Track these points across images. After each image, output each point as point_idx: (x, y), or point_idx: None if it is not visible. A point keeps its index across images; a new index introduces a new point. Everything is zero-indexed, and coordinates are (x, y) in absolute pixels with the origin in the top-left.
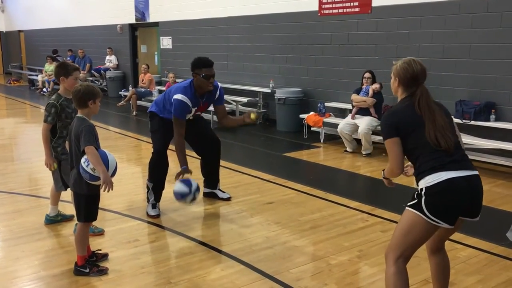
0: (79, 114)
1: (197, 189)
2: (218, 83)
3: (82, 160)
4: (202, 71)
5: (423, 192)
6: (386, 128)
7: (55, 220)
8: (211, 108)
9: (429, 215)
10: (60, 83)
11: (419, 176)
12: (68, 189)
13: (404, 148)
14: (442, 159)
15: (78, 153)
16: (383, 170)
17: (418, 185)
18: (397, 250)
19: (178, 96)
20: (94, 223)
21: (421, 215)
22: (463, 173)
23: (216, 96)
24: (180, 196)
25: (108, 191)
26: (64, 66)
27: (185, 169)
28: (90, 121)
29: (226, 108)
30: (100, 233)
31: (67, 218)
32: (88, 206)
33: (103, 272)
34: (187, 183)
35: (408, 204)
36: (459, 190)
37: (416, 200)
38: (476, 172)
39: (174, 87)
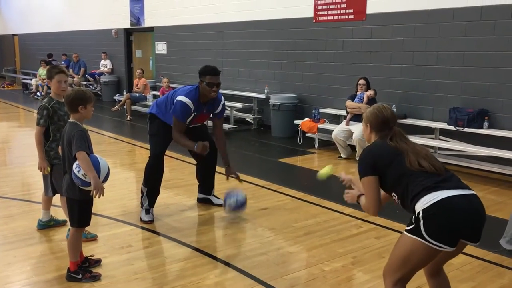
0: (71, 119)
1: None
2: (223, 98)
3: (74, 165)
4: (207, 78)
5: (420, 216)
6: (364, 167)
7: (48, 225)
8: None
9: (430, 239)
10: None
11: (413, 200)
12: (58, 194)
13: (387, 183)
14: (434, 179)
15: (70, 158)
16: (359, 196)
17: (414, 210)
18: (395, 274)
19: (181, 98)
20: (87, 228)
21: (421, 240)
22: (460, 192)
23: (218, 109)
24: (232, 209)
25: (98, 197)
26: (49, 70)
27: (197, 146)
28: (83, 125)
29: (225, 108)
30: (93, 238)
31: (59, 223)
32: (81, 211)
33: (96, 278)
34: (243, 202)
35: (406, 229)
36: (458, 209)
37: (414, 225)
38: (473, 192)
39: (179, 89)
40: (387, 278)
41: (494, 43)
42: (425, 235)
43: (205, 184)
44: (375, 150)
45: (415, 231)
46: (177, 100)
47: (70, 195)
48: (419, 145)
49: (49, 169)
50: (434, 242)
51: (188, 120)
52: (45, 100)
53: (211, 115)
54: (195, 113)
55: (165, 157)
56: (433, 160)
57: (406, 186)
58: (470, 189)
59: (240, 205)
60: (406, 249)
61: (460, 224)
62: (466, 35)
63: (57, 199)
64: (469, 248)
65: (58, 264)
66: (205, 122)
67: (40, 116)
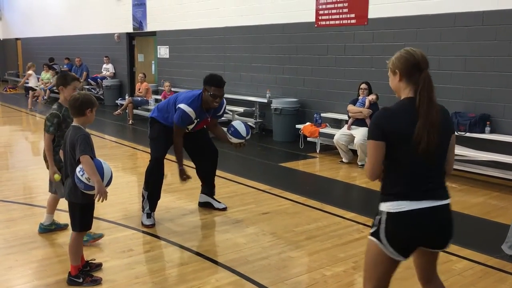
0: (74, 123)
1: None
2: (224, 101)
3: (77, 169)
4: (212, 89)
5: (383, 218)
6: (374, 129)
7: (49, 229)
8: None
9: (387, 245)
10: (60, 92)
11: (383, 196)
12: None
13: (386, 155)
14: (415, 182)
15: (73, 162)
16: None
17: (379, 205)
18: (370, 284)
19: (183, 106)
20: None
21: (379, 244)
22: (429, 204)
23: (220, 113)
24: (236, 134)
25: (102, 201)
26: (63, 76)
27: (181, 169)
28: (86, 129)
29: (223, 119)
30: (100, 237)
31: (61, 227)
32: (83, 215)
33: (97, 282)
34: (247, 129)
35: (370, 231)
36: (421, 223)
37: (376, 228)
38: (447, 202)
39: (182, 95)
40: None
41: (495, 48)
42: (383, 239)
43: (206, 186)
44: (393, 116)
45: (375, 234)
46: (178, 108)
47: (72, 199)
48: (436, 112)
49: (58, 176)
50: (391, 250)
51: (192, 126)
52: (55, 107)
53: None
54: (198, 119)
55: (166, 161)
56: (433, 134)
57: (390, 173)
58: (445, 198)
59: (241, 131)
60: (371, 253)
61: (421, 238)
62: (467, 40)
63: (62, 202)
64: (471, 253)
65: (59, 268)
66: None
67: (51, 124)
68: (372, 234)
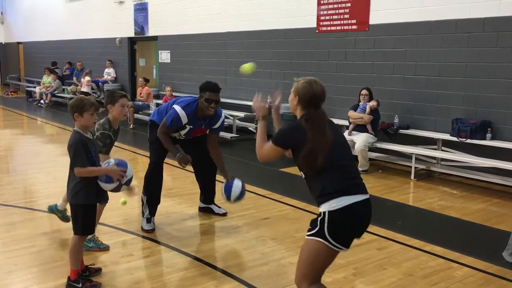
0: (75, 127)
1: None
2: (223, 114)
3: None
4: (206, 94)
5: (326, 218)
6: (282, 136)
7: (54, 212)
8: None
9: (332, 241)
10: (108, 111)
11: (321, 197)
12: None
13: (297, 160)
14: (345, 181)
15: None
16: (261, 120)
17: (319, 207)
18: (307, 279)
19: (177, 108)
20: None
21: (323, 241)
22: (361, 197)
23: (217, 125)
24: (228, 198)
25: (121, 178)
26: (110, 94)
27: (178, 156)
28: (86, 134)
29: (224, 124)
30: (106, 249)
31: (65, 218)
32: (85, 218)
33: (96, 287)
34: (243, 193)
35: (309, 233)
36: (358, 217)
37: (318, 228)
38: (368, 196)
39: (181, 98)
40: (302, 285)
41: (496, 54)
42: (328, 237)
43: (206, 191)
44: (300, 132)
45: (319, 234)
46: (172, 108)
47: (74, 201)
48: (337, 136)
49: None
50: (336, 244)
51: (185, 133)
52: (106, 126)
53: (209, 129)
54: (191, 126)
55: (167, 165)
56: (346, 156)
57: (319, 178)
58: (367, 192)
59: (237, 198)
60: (311, 251)
61: (357, 229)
62: (468, 47)
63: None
64: (472, 260)
65: (59, 273)
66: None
67: (103, 144)
68: (314, 235)
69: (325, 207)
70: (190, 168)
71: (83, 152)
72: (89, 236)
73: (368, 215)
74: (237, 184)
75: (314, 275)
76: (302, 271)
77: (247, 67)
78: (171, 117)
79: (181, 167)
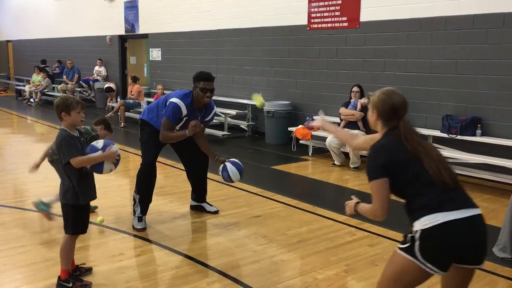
0: (61, 125)
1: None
2: (215, 107)
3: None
4: (201, 84)
5: (417, 236)
6: (374, 168)
7: (39, 207)
8: None
9: (423, 261)
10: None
11: (413, 214)
12: None
13: (393, 187)
14: (440, 197)
15: (61, 164)
16: (357, 203)
17: (412, 225)
18: None
19: (174, 100)
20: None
21: (414, 260)
22: (463, 214)
23: (208, 118)
24: (230, 178)
25: (117, 158)
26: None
27: (188, 130)
28: (73, 133)
29: (215, 121)
30: (53, 218)
31: (47, 211)
32: (76, 217)
33: (87, 286)
34: (240, 169)
35: (400, 246)
36: (457, 236)
37: (409, 244)
38: (478, 211)
39: (173, 93)
40: None
41: (486, 51)
42: (418, 256)
43: (197, 189)
44: (388, 151)
45: (409, 250)
46: (170, 101)
47: (66, 201)
48: (432, 147)
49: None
50: (427, 264)
51: (180, 125)
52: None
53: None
54: (187, 118)
55: (158, 164)
56: (446, 169)
57: (411, 195)
58: (475, 206)
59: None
60: (397, 267)
61: (456, 251)
62: (458, 43)
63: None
64: None
65: (49, 273)
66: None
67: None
68: (404, 250)
69: (417, 225)
70: (181, 166)
71: (73, 143)
72: (47, 200)
73: (475, 234)
74: (231, 168)
75: None
76: (384, 283)
77: (258, 102)
78: (171, 110)
79: (196, 129)
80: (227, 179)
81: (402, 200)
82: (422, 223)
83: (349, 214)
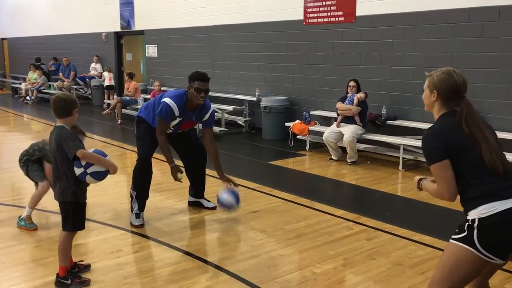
0: (58, 123)
1: (239, 201)
2: (212, 106)
3: (88, 178)
4: (195, 83)
5: (475, 225)
6: (433, 151)
7: (22, 226)
8: None
9: (483, 251)
10: None
11: (470, 203)
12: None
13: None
14: (497, 185)
15: (62, 163)
16: (420, 180)
17: (467, 215)
18: (443, 285)
19: (167, 100)
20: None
21: (473, 250)
22: None
23: (206, 118)
24: (226, 207)
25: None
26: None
27: (173, 166)
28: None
29: (214, 117)
30: (34, 228)
31: (31, 225)
32: (76, 214)
33: (85, 283)
34: (235, 195)
35: (455, 237)
36: None
37: (466, 233)
38: None
39: (168, 92)
40: None
41: (482, 44)
42: (478, 245)
43: (196, 185)
44: (446, 134)
45: (467, 240)
46: (163, 101)
47: (64, 199)
48: (490, 133)
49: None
50: (486, 253)
51: (174, 125)
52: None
53: (200, 124)
54: (181, 119)
55: (156, 160)
56: (503, 157)
57: (466, 184)
58: None
59: (229, 205)
60: (455, 257)
61: None
62: (454, 37)
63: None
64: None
65: (47, 270)
66: (195, 126)
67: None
68: (462, 240)
69: (474, 214)
70: (179, 163)
71: (77, 138)
72: (23, 216)
73: None
74: (225, 198)
75: (452, 285)
76: (439, 276)
77: None
78: (164, 109)
79: (175, 179)
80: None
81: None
82: (479, 212)
83: (417, 190)
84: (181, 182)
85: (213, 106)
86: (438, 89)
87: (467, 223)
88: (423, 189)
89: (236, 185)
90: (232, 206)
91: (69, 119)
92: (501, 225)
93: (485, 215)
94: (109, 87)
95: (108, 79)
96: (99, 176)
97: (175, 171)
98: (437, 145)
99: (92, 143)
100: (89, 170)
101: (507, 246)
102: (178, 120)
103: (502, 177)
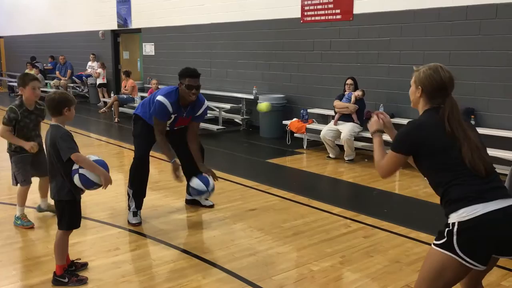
0: (53, 122)
1: (213, 188)
2: (205, 101)
3: (75, 178)
4: (186, 80)
5: (455, 229)
6: (402, 141)
7: (19, 224)
8: None
9: (464, 256)
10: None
11: (451, 206)
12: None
13: (424, 167)
14: (479, 187)
15: (56, 162)
16: (378, 132)
17: (448, 218)
18: None
19: (160, 98)
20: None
21: (453, 256)
22: (501, 204)
23: (199, 112)
24: (197, 193)
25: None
26: (21, 78)
27: (174, 162)
28: (65, 128)
29: (209, 115)
30: (30, 226)
31: (28, 223)
32: (71, 213)
33: (83, 281)
34: (205, 181)
35: (436, 243)
36: (497, 227)
37: (446, 239)
38: None
39: (161, 89)
40: None
41: (479, 42)
42: (458, 251)
43: None
44: (427, 129)
45: (447, 246)
46: (156, 100)
47: (59, 197)
48: (473, 132)
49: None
50: (467, 259)
51: (169, 122)
52: (16, 103)
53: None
54: (176, 115)
55: (153, 158)
56: (485, 158)
57: (447, 184)
58: (510, 197)
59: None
60: (437, 264)
61: (496, 243)
62: (452, 35)
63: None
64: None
65: (44, 268)
66: None
67: (8, 117)
68: (441, 246)
69: (454, 217)
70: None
71: (73, 139)
72: (17, 215)
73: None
74: (197, 184)
75: None
76: (422, 282)
77: (263, 107)
78: (158, 109)
79: (175, 177)
80: (194, 193)
81: (437, 195)
82: (460, 215)
83: (373, 129)
84: (181, 182)
85: (211, 104)
86: (423, 85)
87: (447, 228)
88: (373, 143)
89: (216, 178)
90: (203, 191)
91: (61, 118)
92: (481, 229)
93: (465, 219)
94: (102, 85)
95: (102, 77)
96: (88, 183)
97: (175, 167)
98: (409, 138)
99: (89, 141)
100: (81, 170)
101: (488, 251)
102: (173, 117)
103: (484, 179)
